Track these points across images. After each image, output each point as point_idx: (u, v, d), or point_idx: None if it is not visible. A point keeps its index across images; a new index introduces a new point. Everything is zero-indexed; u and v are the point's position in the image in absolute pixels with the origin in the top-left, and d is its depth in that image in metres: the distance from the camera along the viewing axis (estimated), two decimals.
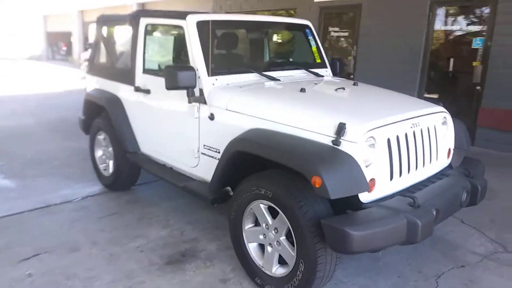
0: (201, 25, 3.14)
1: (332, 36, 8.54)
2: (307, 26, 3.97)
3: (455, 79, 6.81)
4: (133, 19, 3.74)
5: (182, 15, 3.20)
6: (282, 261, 2.52)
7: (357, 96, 3.15)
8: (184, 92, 3.03)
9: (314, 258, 2.22)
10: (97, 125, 4.26)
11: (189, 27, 3.13)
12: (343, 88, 3.17)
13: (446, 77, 6.88)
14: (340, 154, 2.20)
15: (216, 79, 3.07)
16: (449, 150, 2.93)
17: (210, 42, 3.12)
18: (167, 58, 3.46)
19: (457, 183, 2.67)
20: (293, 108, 2.60)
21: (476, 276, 2.86)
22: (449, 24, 6.80)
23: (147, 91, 3.59)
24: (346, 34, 8.31)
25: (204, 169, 3.14)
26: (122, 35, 4.06)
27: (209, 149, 3.06)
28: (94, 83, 4.45)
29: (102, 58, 4.41)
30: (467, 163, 3.04)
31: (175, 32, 3.36)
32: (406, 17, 6.94)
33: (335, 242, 2.06)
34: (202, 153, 3.13)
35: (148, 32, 3.62)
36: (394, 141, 2.41)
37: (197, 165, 3.21)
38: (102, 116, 4.21)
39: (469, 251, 3.19)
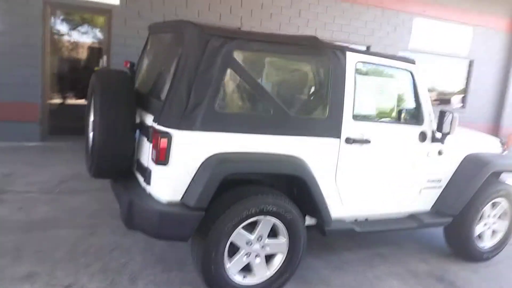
0: None
1: None
2: None
3: None
4: (335, 52, 2.93)
5: (406, 59, 3.31)
6: None
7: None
8: (413, 135, 3.33)
9: None
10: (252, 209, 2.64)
11: (420, 71, 3.28)
12: None
13: None
14: None
15: None
16: None
17: None
18: (389, 102, 3.37)
19: None
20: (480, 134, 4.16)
21: None
22: None
23: (366, 141, 3.07)
24: None
25: (422, 201, 3.55)
26: (289, 68, 3.17)
27: (432, 182, 3.51)
28: (212, 143, 2.55)
29: (233, 102, 2.76)
30: None
31: (391, 73, 3.30)
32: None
33: None
34: (424, 188, 3.48)
35: (358, 71, 3.06)
36: None
37: (416, 201, 3.50)
38: (269, 193, 2.74)
39: None
